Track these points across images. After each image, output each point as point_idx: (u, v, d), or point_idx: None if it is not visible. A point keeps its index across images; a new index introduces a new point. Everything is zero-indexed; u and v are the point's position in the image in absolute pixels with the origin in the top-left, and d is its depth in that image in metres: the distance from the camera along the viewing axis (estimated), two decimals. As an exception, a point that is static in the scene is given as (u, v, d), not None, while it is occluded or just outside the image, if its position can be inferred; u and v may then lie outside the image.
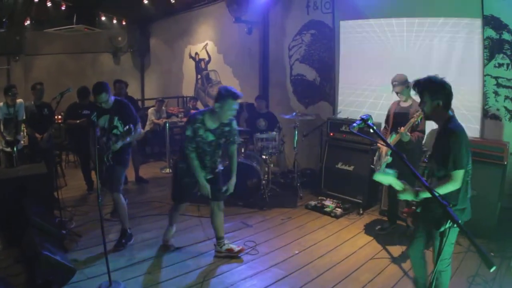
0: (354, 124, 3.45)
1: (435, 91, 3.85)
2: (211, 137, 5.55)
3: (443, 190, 3.76)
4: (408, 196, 3.95)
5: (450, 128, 3.83)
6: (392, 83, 6.42)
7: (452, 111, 4.02)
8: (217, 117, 5.44)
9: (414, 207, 7.53)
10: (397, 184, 3.94)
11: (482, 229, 6.07)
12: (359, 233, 6.87)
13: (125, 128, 5.61)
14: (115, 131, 5.99)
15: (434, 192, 2.59)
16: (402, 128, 5.89)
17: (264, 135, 8.75)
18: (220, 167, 5.94)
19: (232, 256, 5.92)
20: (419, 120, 5.78)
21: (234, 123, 5.73)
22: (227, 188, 5.80)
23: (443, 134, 3.87)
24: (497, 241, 6.14)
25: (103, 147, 6.00)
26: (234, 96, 5.31)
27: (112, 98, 6.19)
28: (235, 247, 5.99)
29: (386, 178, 3.99)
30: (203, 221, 7.21)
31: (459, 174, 3.72)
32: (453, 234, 3.89)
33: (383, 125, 6.90)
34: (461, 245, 6.12)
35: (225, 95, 5.29)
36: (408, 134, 5.91)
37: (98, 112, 6.07)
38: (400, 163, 5.87)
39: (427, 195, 3.78)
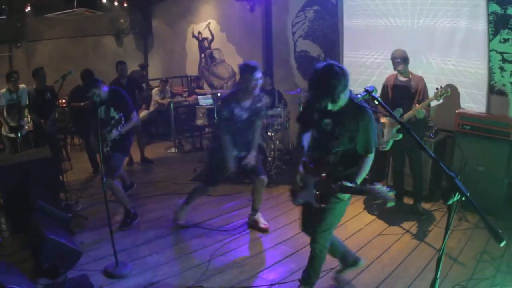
0: (359, 96, 3.39)
1: (345, 84, 3.54)
2: (245, 115, 5.65)
3: (367, 170, 3.89)
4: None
5: (364, 108, 3.74)
6: (394, 60, 6.31)
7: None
8: (247, 92, 5.54)
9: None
10: None
11: (488, 206, 6.02)
12: (365, 210, 6.85)
13: (115, 118, 5.81)
14: (112, 122, 6.00)
15: (441, 164, 2.53)
16: (418, 105, 5.87)
17: (270, 112, 8.68)
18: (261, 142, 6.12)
19: (256, 228, 6.19)
20: (441, 98, 5.83)
21: (264, 98, 5.86)
22: (248, 162, 5.80)
23: (357, 114, 3.75)
24: (504, 218, 6.06)
25: (104, 136, 6.02)
26: (252, 69, 5.41)
27: (106, 88, 6.17)
28: (262, 222, 6.22)
29: None
30: (208, 200, 7.21)
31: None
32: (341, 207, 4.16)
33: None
34: (468, 222, 6.11)
35: (244, 70, 5.49)
36: (423, 110, 5.87)
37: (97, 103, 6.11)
38: (408, 139, 5.86)
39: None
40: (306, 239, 5.72)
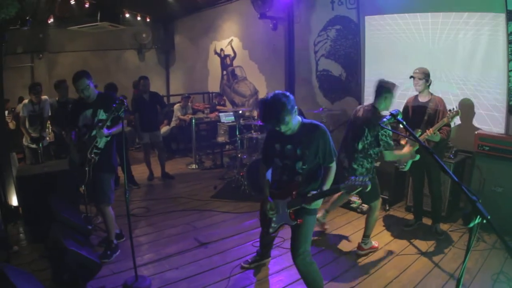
0: (385, 119, 3.44)
1: (290, 107, 4.03)
2: None
3: (332, 177, 4.33)
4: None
5: (316, 124, 4.29)
6: (413, 77, 6.25)
7: None
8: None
9: None
10: None
11: (506, 226, 5.94)
12: (384, 229, 6.81)
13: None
14: (100, 124, 5.38)
15: (463, 187, 2.55)
16: (431, 129, 5.78)
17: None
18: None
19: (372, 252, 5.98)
20: (452, 120, 5.76)
21: None
22: None
23: (312, 131, 4.25)
24: (521, 239, 6.02)
25: (86, 142, 5.51)
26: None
27: (96, 91, 5.70)
28: (375, 244, 6.08)
29: None
30: (230, 217, 7.27)
31: None
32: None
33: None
34: (485, 242, 6.05)
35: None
36: (438, 133, 5.79)
37: (80, 106, 5.69)
38: (427, 159, 5.82)
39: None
40: (325, 258, 5.77)
